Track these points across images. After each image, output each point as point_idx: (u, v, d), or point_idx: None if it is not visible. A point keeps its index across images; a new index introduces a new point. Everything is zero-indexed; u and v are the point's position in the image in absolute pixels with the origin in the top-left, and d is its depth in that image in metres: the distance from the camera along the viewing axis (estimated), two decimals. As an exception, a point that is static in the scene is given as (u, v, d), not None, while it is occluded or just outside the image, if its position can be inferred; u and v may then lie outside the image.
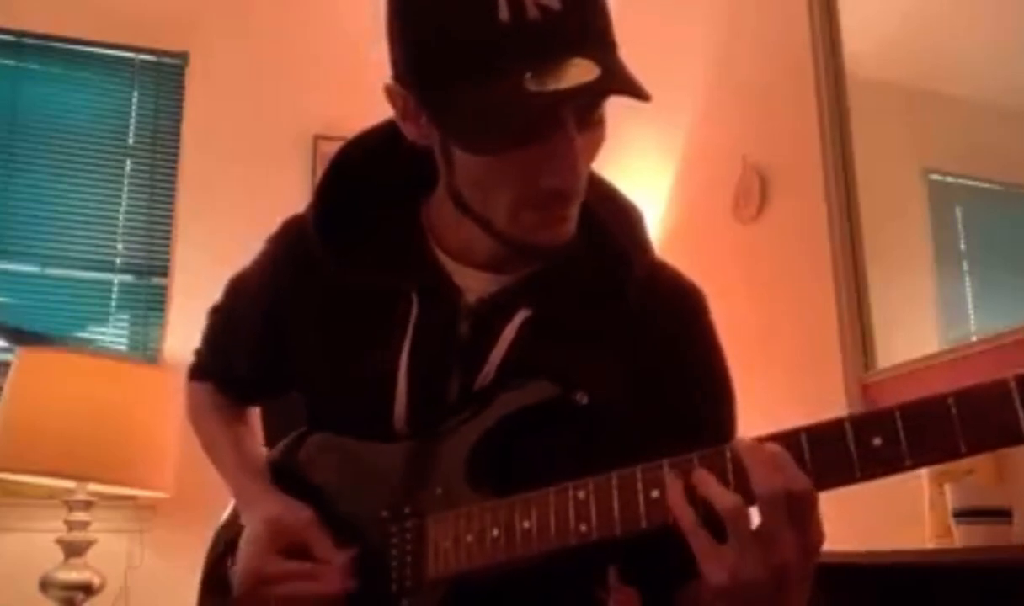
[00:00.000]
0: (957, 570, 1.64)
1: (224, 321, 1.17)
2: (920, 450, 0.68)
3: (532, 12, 0.78)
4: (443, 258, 0.98)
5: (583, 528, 0.79)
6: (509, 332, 0.92)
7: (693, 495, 0.73)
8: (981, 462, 1.74)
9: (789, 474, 0.70)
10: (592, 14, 0.82)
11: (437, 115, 0.87)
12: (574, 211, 0.90)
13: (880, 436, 0.69)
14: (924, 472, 1.78)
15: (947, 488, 1.65)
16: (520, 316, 0.93)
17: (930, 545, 1.74)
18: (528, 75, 0.77)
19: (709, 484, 0.73)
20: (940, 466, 1.74)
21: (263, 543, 0.93)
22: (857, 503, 2.18)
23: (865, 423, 0.70)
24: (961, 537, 1.60)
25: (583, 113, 0.84)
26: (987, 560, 1.54)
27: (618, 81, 0.80)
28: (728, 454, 0.73)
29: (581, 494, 0.80)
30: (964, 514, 1.60)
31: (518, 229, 0.88)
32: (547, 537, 0.81)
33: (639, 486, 0.77)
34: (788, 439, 0.72)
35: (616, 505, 0.78)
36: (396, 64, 0.89)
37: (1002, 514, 1.60)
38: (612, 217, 0.99)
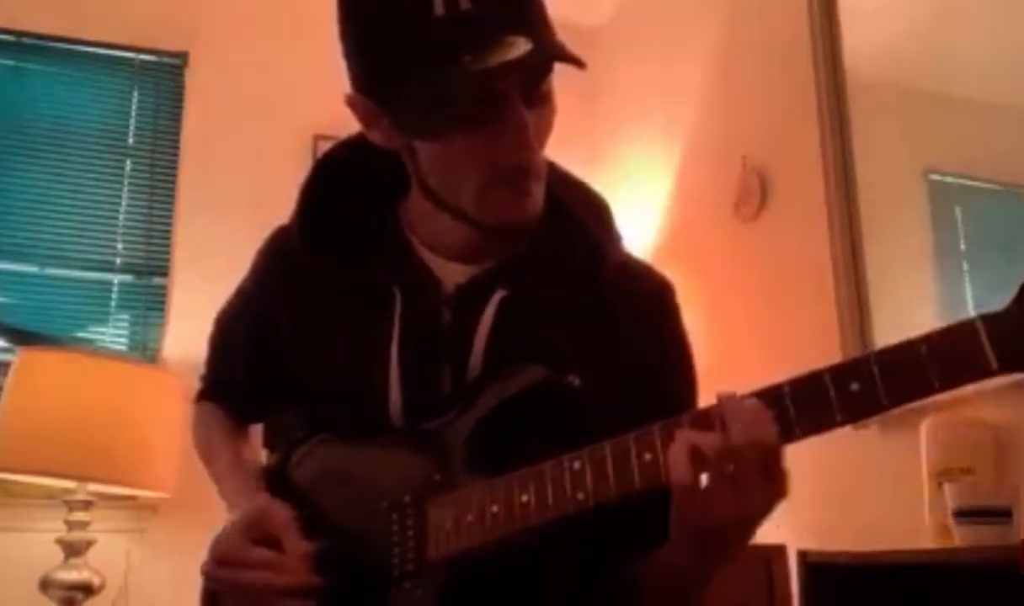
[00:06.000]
0: (957, 570, 1.64)
1: (221, 339, 1.20)
2: (896, 390, 0.73)
3: (464, 4, 0.83)
4: (422, 252, 1.02)
5: (580, 496, 0.82)
6: (488, 313, 0.96)
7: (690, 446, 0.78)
8: (981, 462, 1.74)
9: (763, 427, 0.75)
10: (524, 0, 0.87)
11: (393, 115, 0.92)
12: (538, 187, 0.95)
13: (857, 382, 0.73)
14: (924, 472, 1.78)
15: (947, 488, 1.65)
16: (497, 296, 0.96)
17: (930, 545, 1.74)
18: (467, 58, 0.83)
19: (698, 433, 0.78)
20: (940, 465, 1.75)
21: (238, 529, 0.95)
22: (857, 503, 2.18)
23: (843, 371, 0.75)
24: (961, 537, 1.60)
25: (528, 89, 0.89)
26: (987, 560, 1.53)
27: (552, 51, 0.86)
28: (715, 411, 0.78)
29: (576, 464, 0.83)
30: (964, 514, 1.60)
31: (488, 210, 0.94)
32: (545, 508, 0.84)
33: (632, 450, 0.81)
34: (770, 394, 0.77)
35: (611, 470, 0.81)
36: (352, 73, 0.95)
37: (1002, 514, 1.60)
38: (581, 206, 1.04)
